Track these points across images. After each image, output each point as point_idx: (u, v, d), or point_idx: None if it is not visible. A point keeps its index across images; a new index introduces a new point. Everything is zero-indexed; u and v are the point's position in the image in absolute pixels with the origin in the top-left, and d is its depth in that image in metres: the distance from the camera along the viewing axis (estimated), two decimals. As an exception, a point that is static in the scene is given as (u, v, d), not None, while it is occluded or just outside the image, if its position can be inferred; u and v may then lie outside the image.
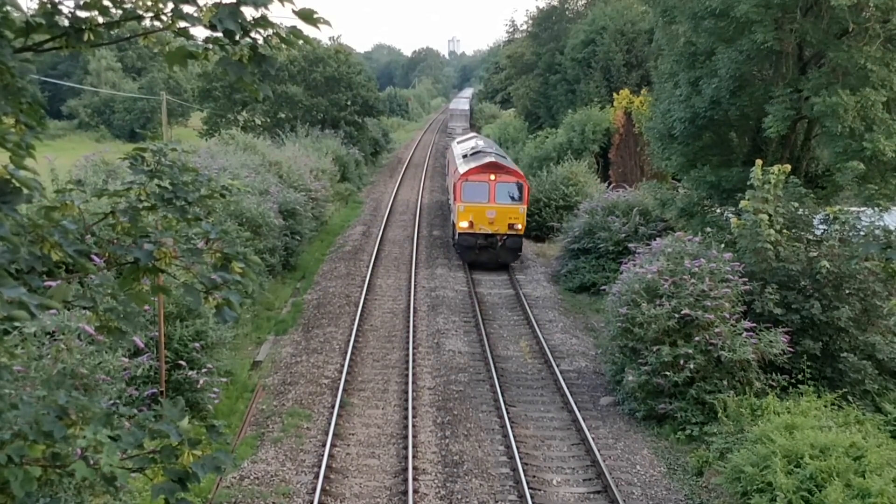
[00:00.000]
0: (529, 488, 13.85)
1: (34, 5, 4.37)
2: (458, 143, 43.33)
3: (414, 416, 16.79)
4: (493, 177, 28.98)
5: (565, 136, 43.06)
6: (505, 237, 28.88)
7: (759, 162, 17.99)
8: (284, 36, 4.40)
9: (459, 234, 29.34)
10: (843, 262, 16.57)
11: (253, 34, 4.36)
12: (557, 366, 20.04)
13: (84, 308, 4.80)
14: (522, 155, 47.71)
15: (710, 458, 14.68)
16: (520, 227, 28.90)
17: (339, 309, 24.28)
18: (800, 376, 16.09)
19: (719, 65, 20.67)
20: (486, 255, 29.17)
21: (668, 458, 15.52)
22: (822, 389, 15.76)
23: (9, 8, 4.20)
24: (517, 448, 15.39)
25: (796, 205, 17.99)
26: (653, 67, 33.83)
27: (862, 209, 18.28)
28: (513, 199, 29.04)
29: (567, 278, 28.00)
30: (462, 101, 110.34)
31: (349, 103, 51.88)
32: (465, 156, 34.32)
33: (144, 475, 4.50)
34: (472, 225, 28.88)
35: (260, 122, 48.88)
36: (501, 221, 28.73)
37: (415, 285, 27.13)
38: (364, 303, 24.67)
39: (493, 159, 30.85)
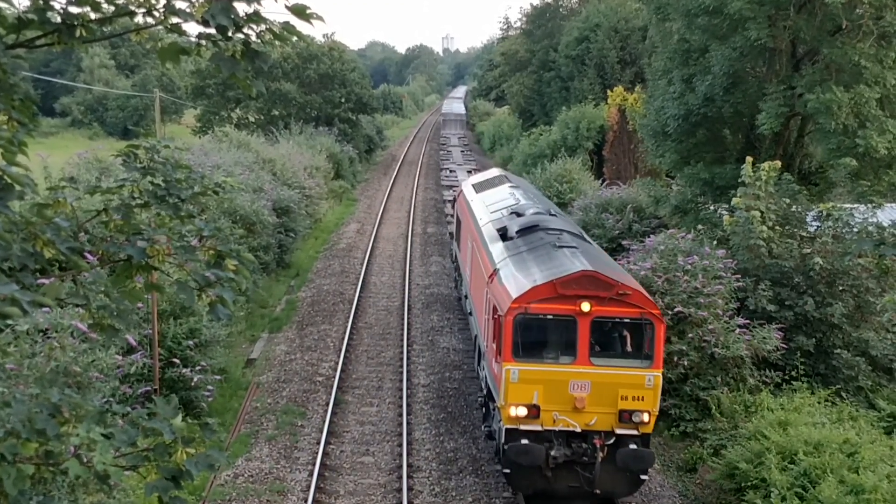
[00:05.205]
0: (524, 485, 13.57)
1: (26, 1, 4.35)
2: (478, 190, 23.60)
3: (409, 414, 16.79)
4: (587, 306, 12.85)
5: (559, 134, 43.08)
6: (612, 440, 12.86)
7: (749, 159, 18.04)
8: (277, 32, 4.39)
9: (507, 431, 13.01)
10: (837, 259, 16.63)
11: (246, 30, 4.35)
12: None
13: (77, 305, 4.78)
14: (517, 153, 47.67)
15: (703, 455, 14.73)
16: (647, 418, 12.92)
17: (333, 306, 24.26)
18: (793, 373, 16.16)
19: (713, 62, 20.71)
20: (568, 478, 12.99)
21: (662, 454, 15.55)
22: (816, 386, 15.82)
23: (1, 4, 4.18)
24: (512, 445, 15.21)
25: (788, 201, 18.04)
26: (647, 64, 33.91)
27: (855, 206, 18.34)
28: (632, 354, 13.32)
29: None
30: (456, 103, 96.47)
31: (343, 100, 51.77)
32: (502, 234, 16.95)
33: (138, 473, 4.50)
34: (536, 413, 12.88)
35: (254, 120, 48.74)
36: (604, 404, 12.88)
37: (409, 283, 27.11)
38: (358, 300, 24.65)
39: (586, 266, 13.48)
